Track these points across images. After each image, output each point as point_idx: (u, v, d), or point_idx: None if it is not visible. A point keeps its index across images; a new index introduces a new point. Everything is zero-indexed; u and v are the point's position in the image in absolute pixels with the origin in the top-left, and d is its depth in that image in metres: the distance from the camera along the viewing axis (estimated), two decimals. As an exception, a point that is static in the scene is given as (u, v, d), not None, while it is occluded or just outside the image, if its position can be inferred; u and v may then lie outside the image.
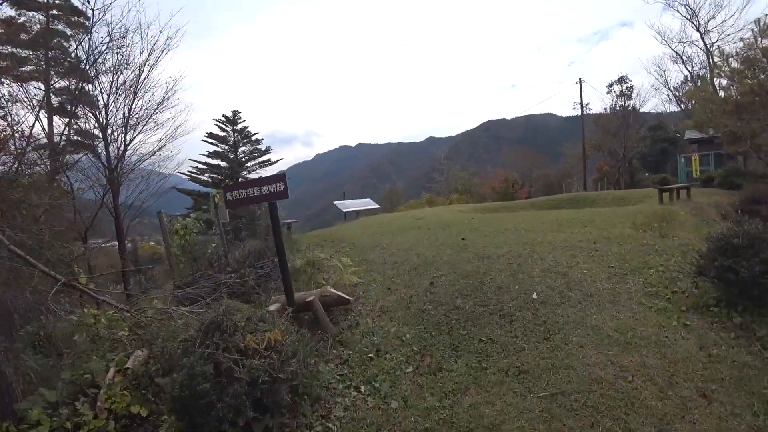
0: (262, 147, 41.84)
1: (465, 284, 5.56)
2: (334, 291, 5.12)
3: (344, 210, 17.10)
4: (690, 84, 33.22)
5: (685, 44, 27.83)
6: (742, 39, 15.99)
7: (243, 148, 41.43)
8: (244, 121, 41.23)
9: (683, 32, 38.84)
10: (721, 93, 16.53)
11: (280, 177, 4.81)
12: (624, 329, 4.47)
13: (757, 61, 14.74)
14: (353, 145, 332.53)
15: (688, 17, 25.86)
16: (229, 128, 40.92)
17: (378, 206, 18.74)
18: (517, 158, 47.31)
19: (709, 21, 25.32)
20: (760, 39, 15.60)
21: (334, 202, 17.58)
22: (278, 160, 42.89)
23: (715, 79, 16.56)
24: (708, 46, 25.08)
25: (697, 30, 25.56)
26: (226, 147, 40.63)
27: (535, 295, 5.01)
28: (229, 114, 41.59)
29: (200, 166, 39.18)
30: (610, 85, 35.10)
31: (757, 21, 15.67)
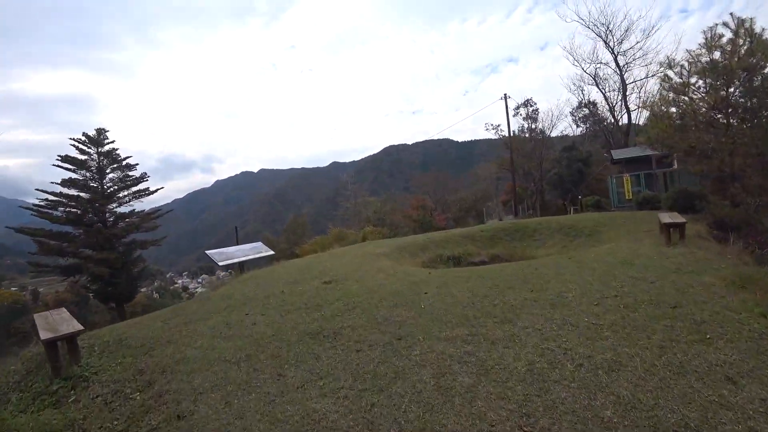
0: (137, 173, 32.94)
1: None
2: None
3: (221, 263, 11.17)
4: (585, 108, 32.61)
5: (597, 66, 26.52)
6: (687, 50, 13.48)
7: (112, 175, 32.13)
8: (112, 142, 31.97)
9: (594, 54, 38.93)
10: (671, 108, 13.83)
11: None
12: None
13: (728, 72, 12.06)
14: (255, 171, 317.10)
15: (603, 37, 24.45)
16: (92, 150, 31.61)
17: (271, 252, 12.99)
18: (427, 182, 44.04)
19: (623, 42, 24.12)
20: (709, 51, 13.12)
21: (207, 253, 11.59)
22: (157, 190, 34.30)
23: (664, 91, 13.81)
24: (621, 66, 23.78)
25: (612, 52, 24.22)
26: (87, 174, 31.26)
27: None
28: (92, 132, 32.26)
29: (51, 197, 29.51)
30: (517, 108, 33.44)
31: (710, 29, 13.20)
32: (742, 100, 12.38)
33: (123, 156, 32.31)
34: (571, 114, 33.62)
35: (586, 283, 5.74)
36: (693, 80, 13.17)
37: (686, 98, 13.43)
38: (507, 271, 7.35)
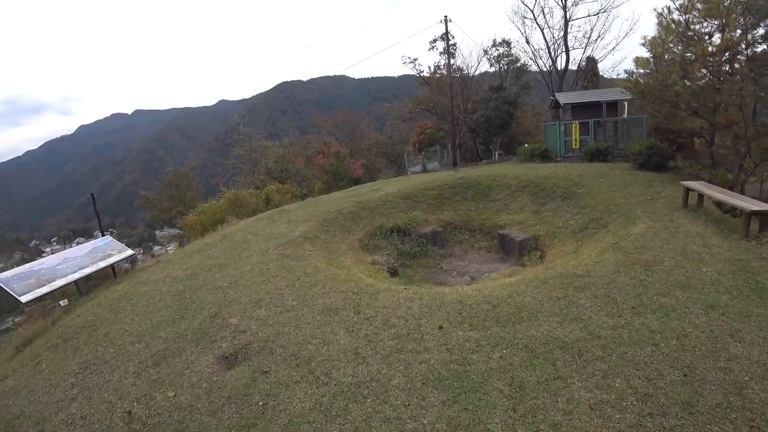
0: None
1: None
2: None
3: (25, 298, 5.99)
4: (499, 47, 29.96)
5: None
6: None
7: None
8: None
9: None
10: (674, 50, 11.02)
11: None
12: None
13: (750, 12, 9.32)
14: (129, 113, 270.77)
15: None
16: None
17: (128, 253, 7.93)
18: (333, 122, 38.67)
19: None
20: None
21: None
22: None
23: (663, 30, 10.88)
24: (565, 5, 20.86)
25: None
26: None
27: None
28: None
29: None
30: (434, 42, 29.40)
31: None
32: (747, 49, 9.90)
33: None
34: (485, 52, 30.84)
35: None
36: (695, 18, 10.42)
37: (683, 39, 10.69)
38: (574, 310, 3.78)
